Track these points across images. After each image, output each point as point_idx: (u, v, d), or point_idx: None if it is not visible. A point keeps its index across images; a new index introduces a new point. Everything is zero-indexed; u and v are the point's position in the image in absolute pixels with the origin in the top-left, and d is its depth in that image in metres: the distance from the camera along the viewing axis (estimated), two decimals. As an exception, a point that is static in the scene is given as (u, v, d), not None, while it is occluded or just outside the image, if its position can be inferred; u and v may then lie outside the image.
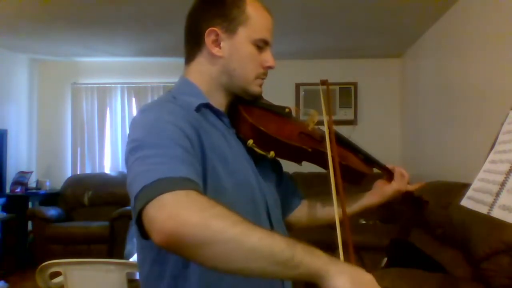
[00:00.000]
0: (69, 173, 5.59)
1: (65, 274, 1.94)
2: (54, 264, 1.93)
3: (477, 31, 3.14)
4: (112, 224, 4.66)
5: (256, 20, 1.01)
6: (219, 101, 1.04)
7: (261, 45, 1.02)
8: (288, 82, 5.38)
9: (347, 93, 5.42)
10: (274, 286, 0.97)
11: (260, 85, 1.06)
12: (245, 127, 1.03)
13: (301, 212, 1.24)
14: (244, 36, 1.00)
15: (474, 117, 3.16)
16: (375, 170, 1.25)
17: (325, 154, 1.05)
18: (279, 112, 1.14)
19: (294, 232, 1.17)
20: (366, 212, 1.28)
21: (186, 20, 1.05)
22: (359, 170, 1.16)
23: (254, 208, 0.98)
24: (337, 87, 5.34)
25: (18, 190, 5.08)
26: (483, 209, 0.93)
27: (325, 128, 1.09)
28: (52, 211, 4.86)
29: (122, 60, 5.54)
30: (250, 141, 1.01)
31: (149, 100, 5.20)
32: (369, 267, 3.14)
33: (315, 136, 1.12)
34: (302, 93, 5.48)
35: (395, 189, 1.21)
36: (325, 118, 1.11)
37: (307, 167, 1.19)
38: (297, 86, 5.50)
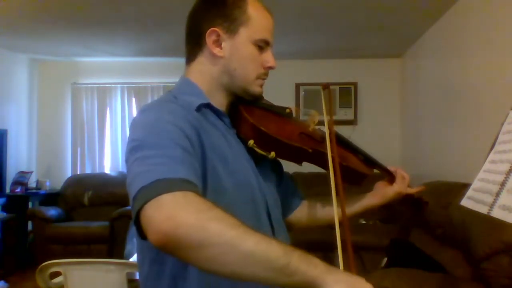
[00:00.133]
0: (69, 173, 5.58)
1: (65, 274, 1.94)
2: (54, 264, 1.93)
3: (477, 31, 3.14)
4: (112, 224, 4.66)
5: (257, 20, 1.01)
6: (220, 101, 1.04)
7: (262, 45, 1.02)
8: (288, 82, 5.38)
9: (347, 93, 5.42)
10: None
11: (261, 85, 1.06)
12: (246, 127, 1.03)
13: (301, 212, 1.24)
14: (245, 37, 1.00)
15: (474, 117, 3.16)
16: (375, 171, 1.26)
17: (325, 155, 1.05)
18: (279, 113, 1.14)
19: (294, 232, 1.17)
20: (366, 213, 1.28)
21: (187, 20, 1.05)
22: (359, 170, 1.17)
23: (254, 208, 0.98)
24: (337, 87, 5.33)
25: (18, 190, 5.08)
26: (483, 209, 0.93)
27: (325, 129, 1.10)
28: (52, 211, 4.86)
29: (122, 60, 5.54)
30: (251, 141, 1.01)
31: (149, 100, 5.20)
32: (369, 267, 3.15)
33: (316, 137, 1.12)
34: (302, 93, 5.48)
35: (396, 191, 1.22)
36: (325, 119, 1.11)
37: (307, 167, 1.19)
38: (297, 86, 5.49)
